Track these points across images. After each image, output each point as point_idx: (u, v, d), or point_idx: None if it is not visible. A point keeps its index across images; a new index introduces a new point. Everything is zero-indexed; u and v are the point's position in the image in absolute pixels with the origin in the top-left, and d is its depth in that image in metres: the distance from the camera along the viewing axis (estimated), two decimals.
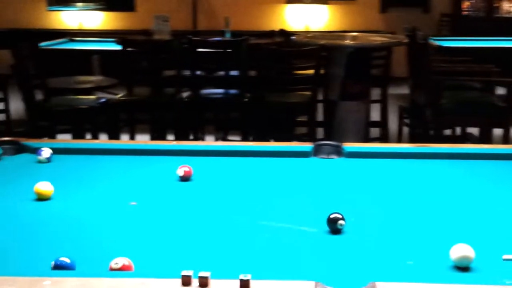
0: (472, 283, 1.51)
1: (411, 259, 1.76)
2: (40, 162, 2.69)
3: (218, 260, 1.76)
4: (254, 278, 1.48)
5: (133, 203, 2.23)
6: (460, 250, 1.69)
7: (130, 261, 1.66)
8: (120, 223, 2.07)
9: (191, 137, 5.54)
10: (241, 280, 1.47)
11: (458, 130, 5.80)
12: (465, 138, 5.66)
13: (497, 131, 5.25)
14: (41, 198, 2.24)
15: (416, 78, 5.72)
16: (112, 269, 1.63)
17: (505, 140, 5.09)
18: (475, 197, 2.33)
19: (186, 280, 1.48)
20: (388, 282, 1.49)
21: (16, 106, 5.82)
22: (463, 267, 1.68)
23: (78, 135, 5.17)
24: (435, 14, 10.30)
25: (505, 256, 1.66)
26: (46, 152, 2.70)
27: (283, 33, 7.48)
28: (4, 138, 2.87)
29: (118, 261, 1.64)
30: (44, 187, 2.25)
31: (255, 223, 2.05)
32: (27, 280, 1.51)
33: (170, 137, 5.54)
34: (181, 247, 1.87)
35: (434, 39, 7.41)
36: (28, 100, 5.19)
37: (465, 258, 1.68)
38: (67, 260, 1.66)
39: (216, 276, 1.50)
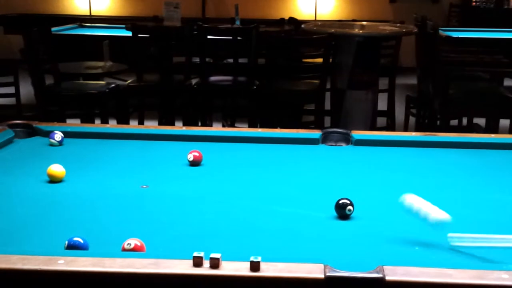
0: (476, 268, 1.54)
1: (417, 245, 1.79)
2: (52, 145, 2.72)
3: (228, 243, 1.80)
4: (264, 260, 1.51)
5: (145, 186, 2.26)
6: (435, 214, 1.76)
7: (142, 242, 1.69)
8: (132, 205, 2.10)
9: (199, 123, 5.57)
10: (252, 262, 1.50)
11: (464, 120, 5.81)
12: (472, 129, 5.67)
13: (504, 122, 5.25)
14: (54, 180, 2.28)
15: (424, 68, 5.72)
16: (124, 250, 1.66)
17: (511, 130, 5.10)
18: (482, 185, 2.35)
19: (197, 261, 1.52)
20: (395, 266, 1.52)
21: (26, 90, 5.85)
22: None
23: (88, 120, 5.20)
24: (445, 4, 10.27)
25: (451, 234, 1.69)
26: (58, 136, 2.74)
27: (293, 21, 7.48)
28: (17, 121, 2.90)
29: (131, 242, 1.67)
30: (57, 169, 2.29)
31: (265, 208, 2.08)
32: (41, 259, 1.54)
33: (178, 123, 5.57)
34: (192, 229, 1.90)
35: (443, 30, 7.40)
36: (38, 84, 5.22)
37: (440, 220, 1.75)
38: (81, 240, 1.69)
39: (227, 258, 1.53)
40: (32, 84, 5.30)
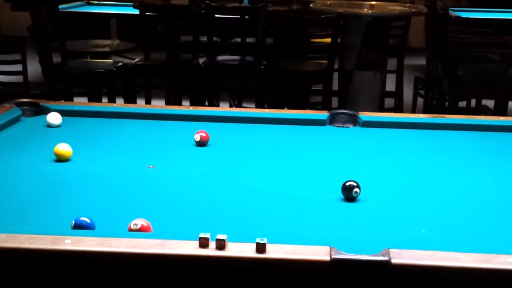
0: (483, 252, 1.54)
1: (424, 228, 1.79)
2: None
3: (235, 224, 1.80)
4: (270, 242, 1.51)
5: (151, 166, 2.26)
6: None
7: (149, 222, 1.69)
8: (138, 185, 2.10)
9: (206, 103, 5.56)
10: (258, 244, 1.50)
11: (473, 102, 5.78)
12: (480, 111, 5.64)
13: None
14: (61, 159, 2.28)
15: (434, 49, 5.68)
16: (131, 230, 1.66)
17: None
18: (490, 168, 2.34)
19: (203, 242, 1.52)
20: (401, 249, 1.52)
21: (33, 68, 5.85)
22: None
23: (95, 98, 5.20)
24: None
25: None
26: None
27: (301, 0, 7.43)
28: (24, 100, 2.89)
29: (137, 222, 1.68)
30: (64, 148, 2.29)
31: (271, 189, 2.07)
32: (48, 239, 1.55)
33: (185, 102, 5.56)
34: (198, 211, 1.90)
35: (453, 10, 7.33)
36: (45, 62, 5.22)
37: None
38: (87, 220, 1.70)
39: (233, 239, 1.53)
40: (40, 62, 5.29)
